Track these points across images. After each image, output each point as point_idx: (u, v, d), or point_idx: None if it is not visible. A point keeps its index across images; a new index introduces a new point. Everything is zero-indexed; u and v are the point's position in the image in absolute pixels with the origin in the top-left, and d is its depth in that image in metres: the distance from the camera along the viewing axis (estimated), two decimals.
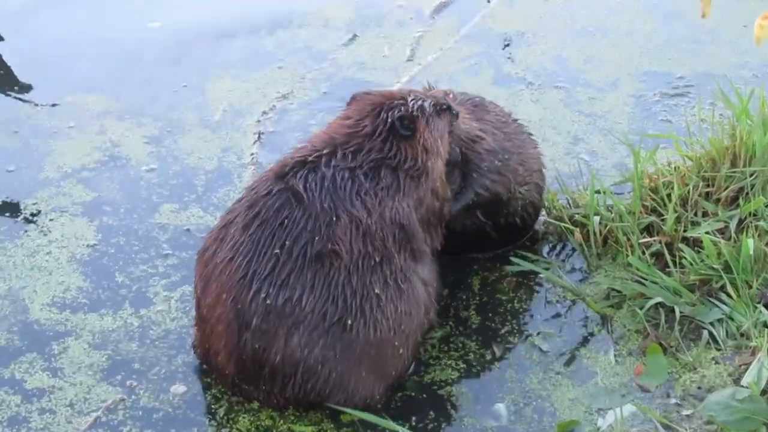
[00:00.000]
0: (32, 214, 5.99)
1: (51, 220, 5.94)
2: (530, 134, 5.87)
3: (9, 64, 7.30)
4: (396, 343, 4.87)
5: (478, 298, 5.56)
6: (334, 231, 4.74)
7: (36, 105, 6.88)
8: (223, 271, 4.76)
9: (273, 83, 7.13)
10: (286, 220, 4.74)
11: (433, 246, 5.21)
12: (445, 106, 5.23)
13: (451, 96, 5.54)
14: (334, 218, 4.76)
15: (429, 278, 5.06)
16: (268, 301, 4.67)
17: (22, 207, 6.05)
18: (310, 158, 4.89)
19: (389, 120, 4.98)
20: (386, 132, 4.98)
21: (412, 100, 5.08)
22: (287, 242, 4.71)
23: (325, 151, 4.92)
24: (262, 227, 4.75)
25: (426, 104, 5.11)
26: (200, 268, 4.91)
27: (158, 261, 5.71)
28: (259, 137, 6.60)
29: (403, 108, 5.02)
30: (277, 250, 4.70)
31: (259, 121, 6.75)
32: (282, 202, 4.78)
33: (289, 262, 4.69)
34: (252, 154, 6.46)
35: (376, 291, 4.76)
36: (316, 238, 4.72)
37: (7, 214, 5.99)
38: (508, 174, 5.56)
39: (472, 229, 5.59)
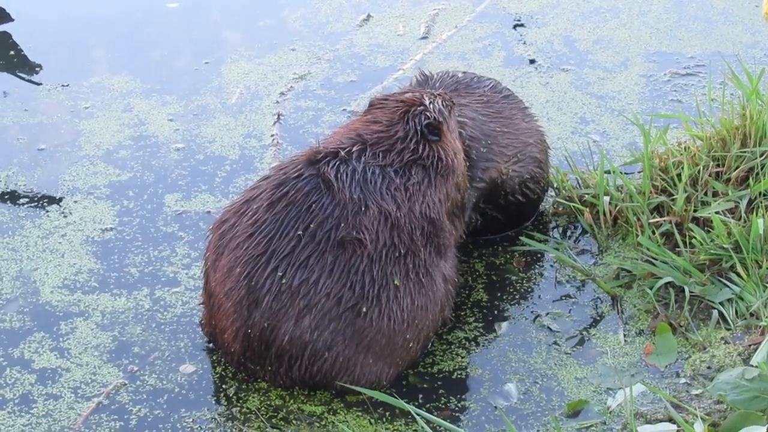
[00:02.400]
0: (58, 194, 6.00)
1: (75, 201, 5.95)
2: (524, 108, 5.83)
3: (20, 45, 7.30)
4: (407, 336, 4.90)
5: (485, 279, 5.56)
6: (361, 220, 4.78)
7: (55, 85, 6.87)
8: (240, 246, 4.79)
9: (289, 65, 7.12)
10: (313, 205, 4.78)
11: (458, 236, 5.27)
12: (451, 103, 5.30)
13: (429, 77, 5.67)
14: (363, 208, 4.80)
15: (450, 274, 5.10)
16: (283, 281, 4.69)
17: (49, 186, 6.07)
18: (342, 151, 4.94)
19: (418, 128, 5.04)
20: (418, 136, 5.04)
21: (430, 103, 5.14)
22: (312, 225, 4.75)
23: (355, 148, 4.97)
24: (288, 208, 4.78)
25: (441, 106, 5.18)
26: (214, 240, 4.93)
27: (174, 245, 5.71)
28: (278, 118, 6.60)
29: (428, 114, 5.09)
30: (300, 232, 4.74)
31: (277, 102, 6.76)
32: (312, 187, 4.82)
33: (311, 245, 4.73)
34: (272, 135, 6.47)
35: (396, 282, 4.79)
36: (342, 225, 4.76)
37: (35, 193, 6.00)
38: (495, 157, 5.54)
39: (475, 217, 5.57)
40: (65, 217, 5.83)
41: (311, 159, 4.93)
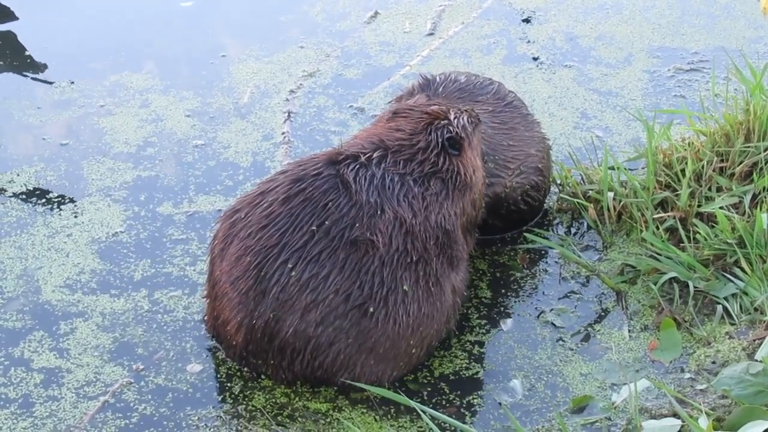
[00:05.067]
0: (73, 192, 6.00)
1: (91, 202, 5.93)
2: (525, 114, 5.80)
3: (25, 44, 7.29)
4: (411, 342, 4.90)
5: (489, 276, 5.57)
6: (376, 223, 4.81)
7: (68, 84, 6.87)
8: (251, 235, 4.81)
9: (298, 62, 7.13)
10: (330, 203, 4.80)
11: (469, 250, 5.29)
12: (477, 120, 5.31)
13: (429, 80, 5.67)
14: (379, 212, 4.83)
15: (460, 287, 5.11)
16: (293, 273, 4.71)
17: (65, 184, 6.07)
18: (363, 156, 4.96)
19: (439, 140, 5.06)
20: (439, 148, 5.06)
21: (454, 118, 5.16)
22: (326, 222, 4.77)
23: (376, 153, 4.99)
24: (304, 204, 4.80)
25: (466, 122, 5.20)
26: (224, 228, 4.94)
27: (182, 246, 5.71)
28: (288, 116, 6.62)
29: (450, 128, 5.11)
30: (314, 227, 4.75)
31: (287, 99, 6.77)
32: (330, 186, 4.84)
33: (324, 240, 4.75)
34: (283, 132, 6.48)
35: (405, 287, 4.81)
36: (357, 225, 4.78)
37: (53, 191, 6.01)
38: (500, 172, 5.53)
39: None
40: (76, 216, 5.83)
41: (332, 159, 4.95)
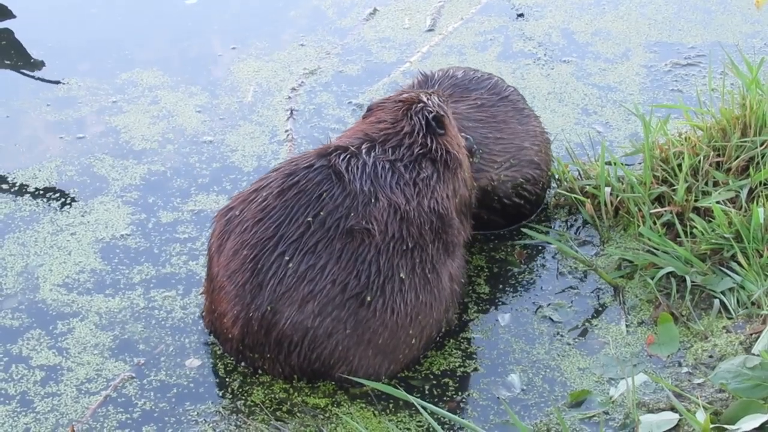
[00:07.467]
0: (80, 190, 6.02)
1: (101, 202, 5.94)
2: (522, 109, 5.80)
3: (24, 42, 7.29)
4: (410, 332, 4.91)
5: (487, 271, 5.58)
6: (371, 211, 4.82)
7: (75, 81, 6.88)
8: (247, 230, 4.82)
9: (298, 60, 7.14)
10: (324, 194, 4.81)
11: (466, 236, 5.28)
12: (445, 97, 5.34)
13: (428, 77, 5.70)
14: (373, 200, 4.84)
15: (457, 274, 5.11)
16: (290, 265, 4.72)
17: (79, 180, 6.10)
18: (352, 147, 4.97)
19: (422, 122, 5.08)
20: (425, 130, 5.07)
21: (428, 99, 5.18)
22: (321, 213, 4.78)
23: (364, 145, 5.00)
24: (299, 196, 4.82)
25: (441, 102, 5.23)
26: (220, 226, 4.95)
27: (184, 245, 5.72)
28: (291, 114, 6.63)
29: (429, 109, 5.13)
30: (310, 219, 4.77)
31: (289, 97, 6.78)
32: (323, 177, 4.86)
33: (320, 231, 4.76)
34: (287, 130, 6.49)
35: (401, 275, 4.81)
36: (352, 214, 4.79)
37: (62, 188, 6.04)
38: (485, 166, 5.53)
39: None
40: (83, 215, 5.83)
41: (322, 152, 4.97)
